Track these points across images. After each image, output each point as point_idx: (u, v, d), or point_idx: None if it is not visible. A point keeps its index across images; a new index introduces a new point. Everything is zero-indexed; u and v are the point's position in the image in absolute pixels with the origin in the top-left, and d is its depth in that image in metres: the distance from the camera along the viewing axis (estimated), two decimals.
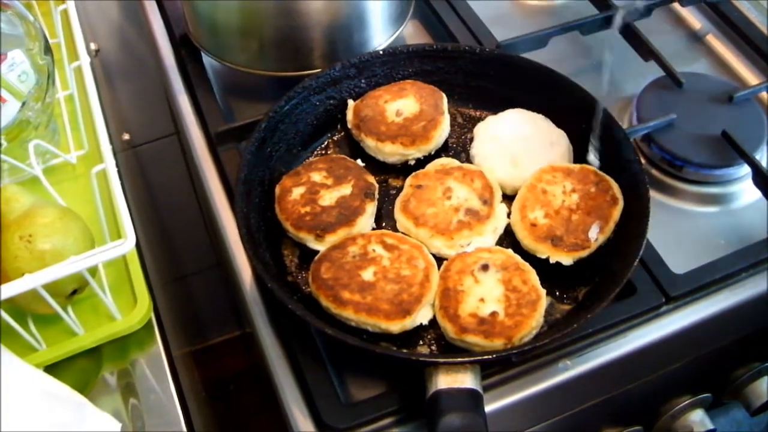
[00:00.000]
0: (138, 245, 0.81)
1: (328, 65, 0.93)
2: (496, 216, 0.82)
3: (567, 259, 0.78)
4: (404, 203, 0.83)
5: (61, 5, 1.03)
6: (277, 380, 0.76)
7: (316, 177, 0.84)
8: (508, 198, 0.85)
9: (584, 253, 0.78)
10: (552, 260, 0.78)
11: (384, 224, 0.85)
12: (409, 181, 0.85)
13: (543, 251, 0.78)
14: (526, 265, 0.77)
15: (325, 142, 0.93)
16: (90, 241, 0.82)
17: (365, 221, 0.82)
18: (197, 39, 1.02)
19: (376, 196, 0.84)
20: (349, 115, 0.91)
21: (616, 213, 0.80)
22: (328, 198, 0.83)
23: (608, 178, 0.82)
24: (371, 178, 0.85)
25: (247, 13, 0.95)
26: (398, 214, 0.83)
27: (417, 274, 0.76)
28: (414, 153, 0.88)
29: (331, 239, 0.80)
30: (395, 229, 0.83)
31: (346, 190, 0.83)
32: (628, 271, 0.73)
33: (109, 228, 0.87)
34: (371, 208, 0.83)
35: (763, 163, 0.89)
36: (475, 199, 0.82)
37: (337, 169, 0.85)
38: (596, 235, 0.78)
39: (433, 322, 0.76)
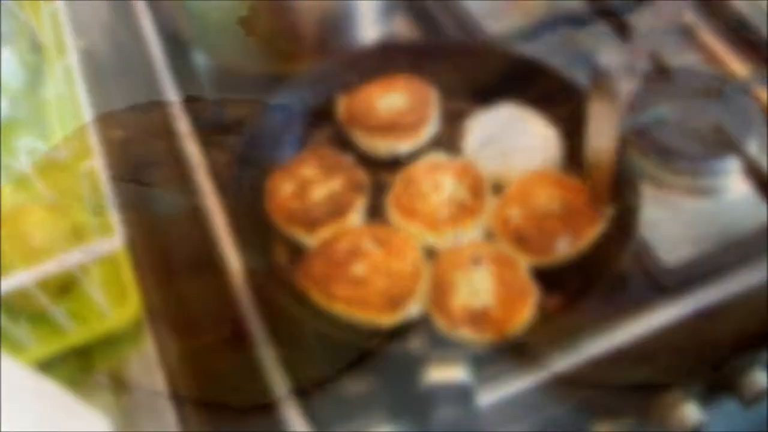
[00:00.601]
0: (128, 242, 0.81)
1: (317, 61, 0.93)
2: (486, 210, 0.81)
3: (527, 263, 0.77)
4: (395, 198, 0.83)
5: (50, 2, 1.02)
6: (269, 378, 0.76)
7: (307, 172, 0.84)
8: (500, 192, 0.84)
9: (545, 261, 0.77)
10: None
11: (375, 219, 0.85)
12: (399, 175, 0.85)
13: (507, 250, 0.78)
14: (517, 259, 0.77)
15: (316, 138, 0.92)
16: (80, 238, 0.81)
17: (356, 216, 0.82)
18: (187, 36, 1.02)
19: (367, 190, 0.84)
20: (340, 110, 0.91)
21: (592, 233, 0.78)
22: (318, 193, 0.82)
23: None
24: (362, 173, 0.85)
25: (236, 10, 0.94)
26: (389, 209, 0.83)
27: (408, 267, 0.76)
28: (404, 147, 0.88)
29: (322, 234, 0.80)
30: (386, 224, 0.82)
31: (336, 185, 0.83)
32: (619, 263, 0.73)
33: (99, 225, 0.87)
34: (362, 203, 0.83)
35: (754, 155, 0.89)
36: (466, 193, 0.82)
37: (328, 165, 0.85)
38: (564, 248, 0.77)
39: (425, 316, 0.76)
